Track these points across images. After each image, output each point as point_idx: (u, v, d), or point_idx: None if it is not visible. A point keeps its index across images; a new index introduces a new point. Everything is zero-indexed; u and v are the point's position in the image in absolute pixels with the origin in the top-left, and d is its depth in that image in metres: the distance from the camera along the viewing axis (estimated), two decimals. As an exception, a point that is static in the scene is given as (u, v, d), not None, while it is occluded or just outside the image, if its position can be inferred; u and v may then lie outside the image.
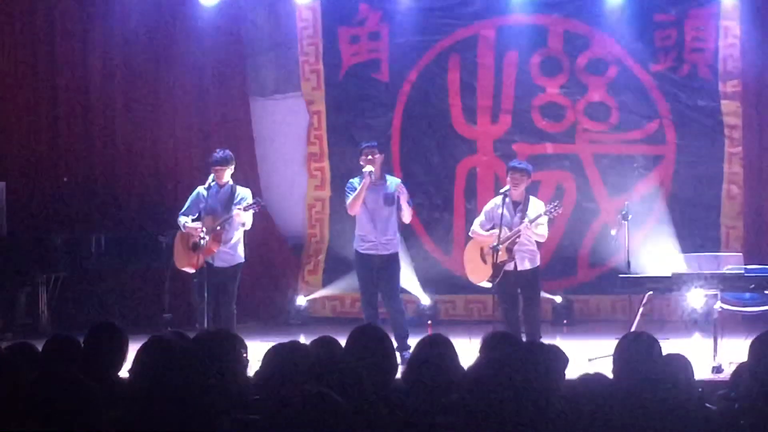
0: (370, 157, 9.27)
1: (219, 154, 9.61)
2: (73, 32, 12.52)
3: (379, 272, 9.33)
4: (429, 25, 12.33)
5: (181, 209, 9.73)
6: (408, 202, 9.36)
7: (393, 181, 9.50)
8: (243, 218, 9.39)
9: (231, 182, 9.61)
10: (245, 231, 9.61)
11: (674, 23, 11.93)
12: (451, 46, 12.32)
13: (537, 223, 8.99)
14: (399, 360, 8.20)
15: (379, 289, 9.39)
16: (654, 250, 11.02)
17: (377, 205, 9.32)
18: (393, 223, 9.36)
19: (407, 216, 9.40)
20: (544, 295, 10.14)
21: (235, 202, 9.50)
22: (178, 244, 9.79)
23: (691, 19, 11.91)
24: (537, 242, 9.21)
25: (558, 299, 11.80)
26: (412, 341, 4.89)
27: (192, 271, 9.59)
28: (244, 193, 9.58)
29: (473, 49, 12.30)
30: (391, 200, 9.34)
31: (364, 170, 9.25)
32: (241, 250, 9.59)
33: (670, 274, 8.78)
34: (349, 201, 9.36)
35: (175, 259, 9.84)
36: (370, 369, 4.27)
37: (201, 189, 9.61)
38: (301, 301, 12.35)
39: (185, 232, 9.56)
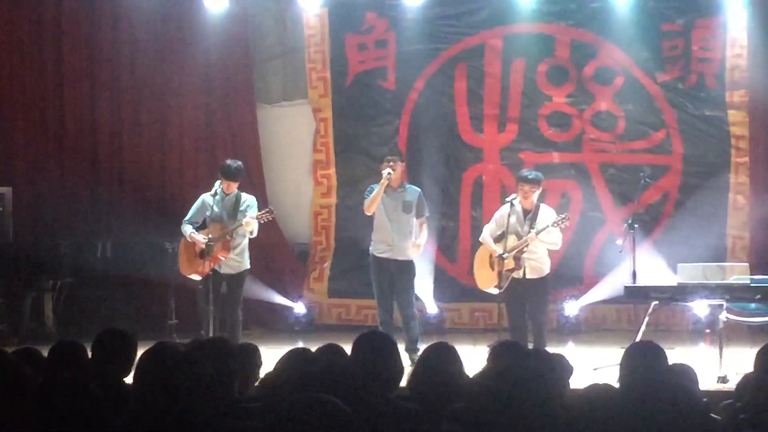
0: (391, 164, 9.40)
1: (233, 166, 9.58)
2: (80, 39, 12.57)
3: (394, 278, 9.43)
4: (436, 33, 12.34)
5: (186, 216, 9.74)
6: (423, 215, 9.53)
7: (413, 191, 9.61)
8: (252, 226, 9.41)
9: (236, 190, 9.63)
10: (251, 239, 9.63)
11: (681, 33, 11.93)
12: (457, 54, 12.32)
13: (548, 231, 8.96)
14: (409, 362, 8.25)
15: (394, 294, 9.47)
16: (659, 260, 10.99)
17: (395, 212, 9.46)
18: (410, 230, 9.45)
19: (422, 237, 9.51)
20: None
21: (240, 209, 9.52)
22: (183, 251, 9.79)
23: (698, 29, 11.91)
24: (548, 250, 9.19)
25: None
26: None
27: (199, 278, 9.61)
28: (249, 200, 9.59)
29: (480, 57, 12.30)
30: (409, 208, 9.49)
31: (382, 172, 9.38)
32: (247, 258, 9.63)
33: (675, 284, 8.76)
34: (366, 202, 9.46)
35: (181, 267, 9.85)
36: (374, 376, 4.27)
37: (206, 196, 9.61)
38: (306, 308, 12.33)
39: (190, 241, 9.57)
